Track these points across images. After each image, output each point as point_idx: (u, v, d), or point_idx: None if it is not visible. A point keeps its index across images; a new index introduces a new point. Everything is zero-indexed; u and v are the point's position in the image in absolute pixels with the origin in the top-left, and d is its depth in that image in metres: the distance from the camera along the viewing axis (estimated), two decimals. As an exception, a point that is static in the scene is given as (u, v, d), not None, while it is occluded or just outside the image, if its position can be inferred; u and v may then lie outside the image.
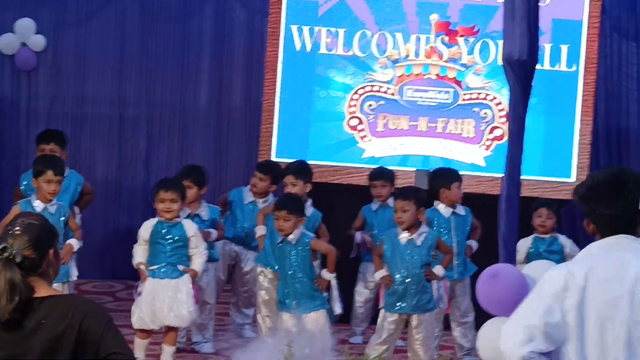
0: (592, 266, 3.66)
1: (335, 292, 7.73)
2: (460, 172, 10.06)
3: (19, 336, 3.55)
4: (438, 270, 7.74)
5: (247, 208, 9.23)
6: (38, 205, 7.79)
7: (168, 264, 7.80)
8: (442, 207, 8.66)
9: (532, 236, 8.54)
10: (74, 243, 7.92)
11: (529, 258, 8.34)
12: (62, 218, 7.89)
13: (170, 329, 7.84)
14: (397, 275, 7.67)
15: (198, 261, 7.95)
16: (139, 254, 7.85)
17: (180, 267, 7.87)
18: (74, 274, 8.08)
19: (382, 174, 9.34)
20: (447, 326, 8.72)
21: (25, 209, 7.76)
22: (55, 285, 7.65)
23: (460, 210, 8.74)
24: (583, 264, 3.70)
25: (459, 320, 8.69)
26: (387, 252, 7.73)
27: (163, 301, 7.75)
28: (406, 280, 7.64)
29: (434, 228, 8.49)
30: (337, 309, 7.72)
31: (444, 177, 8.86)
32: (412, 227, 7.67)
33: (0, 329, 3.55)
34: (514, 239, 5.08)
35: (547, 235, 8.56)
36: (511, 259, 4.96)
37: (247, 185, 9.45)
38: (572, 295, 3.63)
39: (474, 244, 8.80)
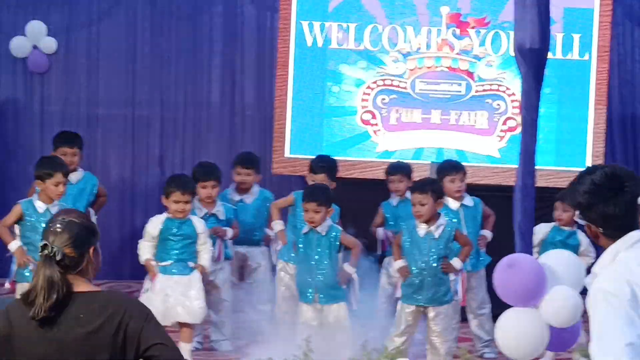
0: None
1: (356, 286, 7.72)
2: (475, 164, 10.07)
3: (55, 332, 3.55)
4: (456, 262, 7.72)
5: (238, 208, 9.17)
6: (40, 206, 7.77)
7: (179, 260, 7.81)
8: (449, 200, 8.66)
9: (552, 224, 8.51)
10: None
11: (543, 245, 8.30)
12: None
13: (184, 325, 7.84)
14: (414, 268, 7.66)
15: (205, 257, 7.97)
16: (147, 250, 7.85)
17: (191, 264, 7.88)
18: None
19: (399, 169, 9.28)
20: (463, 318, 8.70)
21: (27, 209, 7.77)
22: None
23: (469, 201, 8.71)
24: (631, 268, 3.56)
25: (475, 312, 8.68)
26: (406, 243, 7.73)
27: (176, 298, 7.75)
28: (423, 272, 7.63)
29: None
30: (355, 304, 7.71)
31: (439, 171, 8.87)
32: (431, 219, 7.66)
33: (37, 325, 3.55)
34: (530, 229, 5.06)
35: (567, 228, 8.52)
36: (528, 248, 4.95)
37: (229, 185, 9.41)
38: None
39: (488, 234, 8.78)
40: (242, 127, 11.60)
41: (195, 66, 11.62)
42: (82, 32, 11.53)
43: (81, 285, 3.63)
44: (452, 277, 7.81)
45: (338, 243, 7.67)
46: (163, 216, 7.93)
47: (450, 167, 8.80)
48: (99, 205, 9.42)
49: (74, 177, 8.70)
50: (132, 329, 3.58)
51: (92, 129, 11.50)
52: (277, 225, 8.69)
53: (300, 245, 7.90)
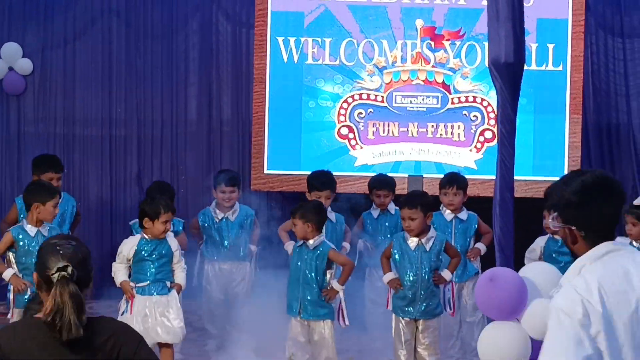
0: (601, 285, 3.54)
1: (343, 305, 7.70)
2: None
3: (80, 356, 3.55)
4: (446, 274, 7.74)
5: (222, 225, 9.22)
6: (31, 229, 7.76)
7: (156, 280, 7.76)
8: (445, 211, 8.73)
9: (547, 236, 8.56)
10: None
11: (545, 259, 8.37)
12: None
13: (164, 346, 7.80)
14: (407, 280, 7.67)
15: (182, 275, 7.93)
16: (122, 272, 7.77)
17: (168, 283, 7.83)
18: None
19: (384, 183, 9.32)
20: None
21: (18, 235, 7.76)
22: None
23: (463, 215, 8.75)
24: (589, 284, 3.55)
25: (466, 321, 8.72)
26: (396, 255, 7.74)
27: (155, 318, 7.72)
28: (415, 285, 7.65)
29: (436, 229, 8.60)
30: (343, 322, 7.69)
31: (439, 183, 8.93)
32: (422, 232, 7.68)
33: (67, 349, 3.54)
34: (509, 242, 5.08)
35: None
36: (508, 261, 4.96)
37: (211, 203, 9.44)
38: (595, 321, 3.47)
39: (482, 247, 8.82)
40: (219, 144, 11.59)
41: (171, 84, 11.61)
42: (57, 53, 11.51)
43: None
44: (442, 288, 7.84)
45: (325, 258, 7.66)
46: (137, 237, 7.83)
47: (445, 181, 8.83)
48: (75, 225, 9.42)
49: None
50: (125, 353, 3.59)
51: (69, 149, 11.48)
52: (290, 246, 8.62)
53: (293, 258, 7.91)
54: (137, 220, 8.31)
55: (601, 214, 3.66)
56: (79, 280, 3.57)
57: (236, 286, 9.29)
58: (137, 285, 7.73)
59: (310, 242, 7.66)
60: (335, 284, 7.63)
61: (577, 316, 3.45)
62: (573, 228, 3.70)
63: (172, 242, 7.95)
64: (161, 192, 8.73)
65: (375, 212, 9.27)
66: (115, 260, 7.87)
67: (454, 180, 8.79)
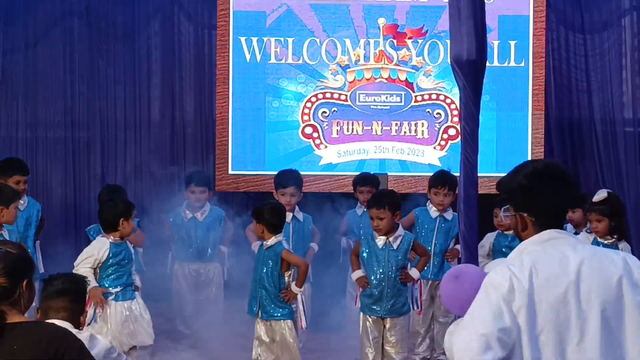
0: (534, 265, 3.63)
1: (301, 307, 7.69)
2: (417, 174, 10.16)
3: None
4: (414, 273, 7.74)
5: (190, 225, 9.24)
6: None
7: (128, 284, 7.64)
8: (431, 208, 8.72)
9: (496, 232, 8.61)
10: None
11: (493, 254, 8.44)
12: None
13: (132, 349, 7.73)
14: (373, 278, 7.68)
15: (137, 277, 7.86)
16: (92, 278, 7.54)
17: (133, 286, 7.73)
18: None
19: (367, 180, 9.34)
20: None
21: None
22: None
23: (448, 215, 8.74)
24: (523, 263, 3.65)
25: (439, 320, 8.73)
26: (364, 254, 7.74)
27: (134, 322, 7.61)
28: (382, 284, 7.65)
29: (418, 226, 8.61)
30: (303, 323, 7.69)
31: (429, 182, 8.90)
32: (390, 231, 7.68)
33: None
34: (474, 239, 5.08)
35: (510, 232, 8.61)
36: (473, 258, 4.97)
37: (181, 204, 9.44)
38: (519, 297, 3.58)
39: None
40: (183, 145, 11.57)
41: (134, 86, 11.57)
42: (18, 56, 11.44)
43: (15, 317, 3.60)
44: (410, 286, 7.84)
45: (278, 258, 7.63)
46: (105, 241, 7.65)
47: (437, 181, 8.76)
48: (40, 229, 9.35)
49: (21, 204, 8.64)
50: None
51: (32, 152, 11.41)
52: (257, 247, 8.59)
53: (255, 261, 7.90)
54: (94, 226, 8.23)
55: (551, 200, 3.72)
56: (3, 288, 3.56)
57: (206, 287, 9.29)
58: (111, 290, 7.57)
59: (267, 242, 7.64)
60: (293, 287, 7.61)
61: (502, 290, 3.58)
62: (524, 214, 3.76)
63: (130, 245, 7.90)
64: (116, 194, 8.66)
65: (359, 210, 9.29)
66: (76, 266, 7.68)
67: (446, 181, 8.70)
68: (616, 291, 3.63)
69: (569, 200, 3.79)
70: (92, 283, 7.46)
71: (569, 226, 8.92)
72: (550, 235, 3.74)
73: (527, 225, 3.79)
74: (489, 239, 8.57)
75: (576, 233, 8.79)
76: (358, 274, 7.81)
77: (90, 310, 7.57)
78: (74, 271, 7.62)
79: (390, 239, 7.68)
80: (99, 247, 7.55)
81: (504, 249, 8.34)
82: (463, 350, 3.63)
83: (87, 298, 4.75)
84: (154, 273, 8.92)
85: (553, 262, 3.65)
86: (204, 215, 9.29)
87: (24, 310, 3.70)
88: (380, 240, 7.69)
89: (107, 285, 7.55)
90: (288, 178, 8.92)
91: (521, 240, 3.84)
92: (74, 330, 4.46)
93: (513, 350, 3.58)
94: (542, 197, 3.73)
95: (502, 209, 3.85)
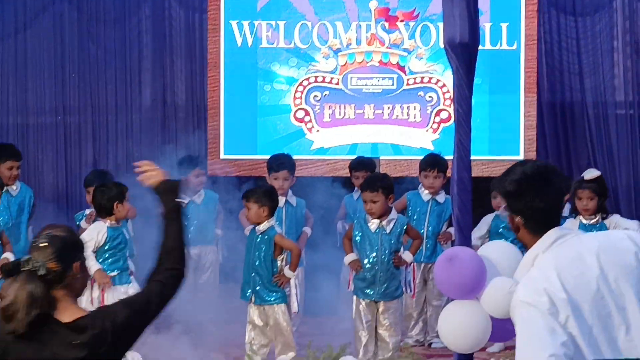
0: (559, 272, 3.60)
1: (293, 290, 7.70)
2: (409, 157, 10.16)
3: (41, 351, 3.47)
4: (407, 256, 7.75)
5: (189, 209, 9.22)
6: None
7: (124, 269, 7.64)
8: (423, 192, 8.73)
9: (494, 214, 8.63)
10: (9, 256, 7.72)
11: (490, 235, 8.48)
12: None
13: None
14: (366, 262, 7.68)
15: (131, 262, 7.84)
16: (94, 260, 7.56)
17: (129, 271, 7.72)
18: None
19: (362, 165, 9.32)
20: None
21: None
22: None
23: (441, 198, 8.74)
24: (547, 274, 3.61)
25: (432, 304, 8.74)
26: (357, 237, 7.74)
27: None
28: (375, 267, 7.65)
29: (411, 209, 8.58)
30: (295, 307, 7.70)
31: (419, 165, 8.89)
32: (383, 214, 7.68)
33: (22, 342, 3.47)
34: (468, 222, 5.08)
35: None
36: (466, 241, 4.97)
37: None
38: (562, 308, 3.53)
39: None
40: (175, 130, 11.53)
41: (125, 70, 11.53)
42: (8, 41, 11.39)
43: (68, 310, 3.54)
44: (402, 270, 7.85)
45: (271, 242, 7.63)
46: (102, 225, 7.66)
47: (426, 164, 8.77)
48: (31, 215, 9.33)
49: (14, 190, 8.61)
50: (120, 324, 3.55)
51: (23, 137, 11.38)
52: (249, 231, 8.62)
53: (247, 245, 7.89)
54: (83, 211, 8.22)
55: (539, 203, 3.73)
56: (49, 274, 3.49)
57: (206, 271, 9.31)
58: (112, 274, 7.54)
59: (260, 227, 7.63)
60: (287, 271, 7.61)
61: (544, 306, 3.50)
62: (516, 217, 3.79)
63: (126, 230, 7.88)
64: (104, 179, 8.61)
65: (356, 194, 9.29)
66: None
67: (436, 163, 8.72)
68: (638, 267, 3.64)
69: (559, 198, 3.80)
70: (96, 266, 7.45)
71: None
72: (556, 235, 3.73)
73: (519, 227, 3.80)
74: (486, 220, 8.58)
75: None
76: (351, 257, 7.81)
77: (95, 293, 7.55)
78: None
79: (384, 222, 7.68)
80: (97, 231, 7.55)
81: (501, 230, 8.38)
82: None
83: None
84: (147, 257, 8.89)
85: (573, 262, 3.62)
86: (201, 198, 9.31)
87: (80, 292, 3.65)
88: (374, 224, 7.69)
89: (104, 270, 7.53)
90: (280, 162, 8.91)
91: (519, 237, 3.85)
92: None
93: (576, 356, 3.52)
94: (528, 201, 3.74)
95: (503, 206, 3.88)
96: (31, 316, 3.44)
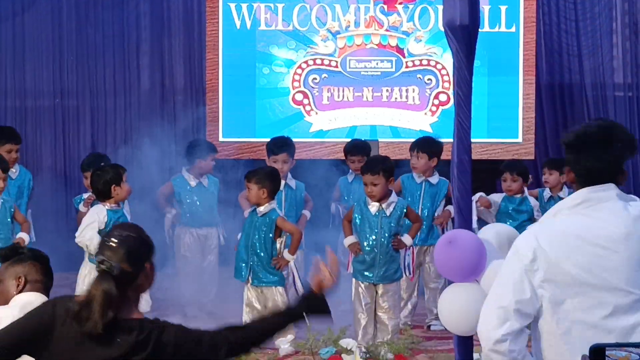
0: (562, 230, 3.66)
1: (295, 273, 7.70)
2: (408, 139, 10.13)
3: (110, 352, 3.46)
4: (406, 239, 7.74)
5: (198, 191, 9.25)
6: None
7: None
8: (415, 174, 8.74)
9: (502, 195, 8.67)
10: (25, 236, 7.77)
11: (498, 215, 8.52)
12: (9, 213, 7.74)
13: None
14: (366, 245, 7.68)
15: None
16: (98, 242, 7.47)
17: None
18: None
19: (357, 149, 9.30)
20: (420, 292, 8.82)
21: None
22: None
23: (434, 179, 8.74)
24: (547, 234, 3.68)
25: (429, 286, 8.75)
26: (357, 220, 7.75)
27: None
28: (375, 250, 7.66)
29: (405, 192, 8.60)
30: (300, 289, 7.68)
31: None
32: (383, 197, 7.68)
33: (94, 343, 3.45)
34: (468, 204, 5.08)
35: (518, 196, 8.70)
36: (466, 224, 4.97)
37: (183, 170, 9.44)
38: (541, 266, 3.62)
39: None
40: (173, 113, 11.52)
41: (123, 53, 11.51)
42: (6, 24, 11.37)
43: (128, 308, 3.54)
44: (402, 253, 7.84)
45: (273, 225, 7.63)
46: (102, 207, 7.65)
47: (413, 145, 8.80)
48: (29, 200, 9.33)
49: (13, 173, 8.60)
50: (183, 341, 3.56)
51: (21, 121, 11.36)
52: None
53: (245, 224, 7.89)
54: (81, 195, 8.22)
55: (593, 162, 3.72)
56: (124, 275, 3.49)
57: (210, 252, 9.35)
58: None
59: (260, 208, 7.63)
60: (286, 254, 7.62)
61: (525, 260, 3.64)
62: (570, 171, 3.81)
63: (125, 211, 7.86)
64: (100, 162, 8.60)
65: (350, 177, 9.29)
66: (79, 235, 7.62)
67: (416, 144, 8.75)
68: None
69: (617, 161, 3.76)
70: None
71: (547, 191, 8.98)
72: (583, 197, 3.73)
73: (573, 182, 3.83)
74: (494, 198, 8.65)
75: (552, 197, 8.86)
76: (350, 240, 7.82)
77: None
78: (77, 240, 7.60)
79: (384, 205, 7.68)
80: (98, 212, 7.53)
81: (510, 211, 8.43)
82: (482, 323, 3.71)
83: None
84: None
85: (581, 229, 3.66)
86: (206, 181, 9.33)
87: (146, 290, 3.65)
88: (374, 207, 7.69)
89: None
90: (280, 145, 8.91)
91: (572, 186, 3.90)
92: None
93: (539, 319, 3.66)
94: (583, 157, 3.74)
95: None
96: (108, 317, 3.43)
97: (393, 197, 7.74)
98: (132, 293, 3.55)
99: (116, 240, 3.54)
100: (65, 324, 3.48)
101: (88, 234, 7.46)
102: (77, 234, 7.57)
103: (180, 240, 9.31)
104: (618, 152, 3.73)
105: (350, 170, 9.29)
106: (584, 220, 3.69)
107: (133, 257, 3.52)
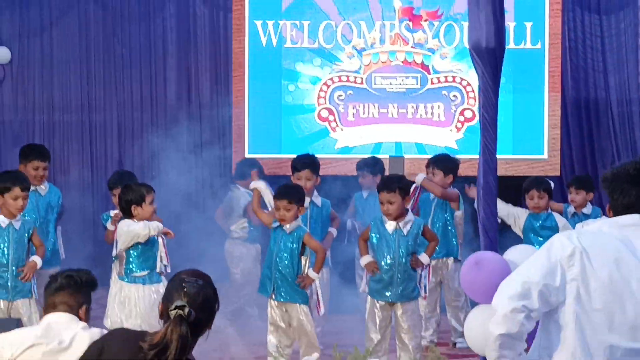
0: (602, 243, 3.72)
1: (319, 292, 7.68)
2: (433, 156, 10.16)
3: None
4: (424, 258, 7.72)
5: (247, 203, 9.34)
6: (3, 221, 7.53)
7: (154, 267, 7.59)
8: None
9: (527, 212, 8.64)
10: (38, 260, 7.70)
11: (524, 232, 8.50)
12: (27, 234, 7.73)
13: None
14: (383, 264, 7.67)
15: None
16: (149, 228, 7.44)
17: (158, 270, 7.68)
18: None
19: (368, 166, 9.32)
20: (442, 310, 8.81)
21: None
22: (19, 301, 7.48)
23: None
24: (593, 238, 3.74)
25: (450, 304, 8.73)
26: (374, 239, 7.72)
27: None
28: (392, 269, 7.64)
29: (418, 208, 8.62)
30: (321, 309, 7.68)
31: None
32: (400, 215, 7.66)
33: None
34: (494, 225, 5.11)
35: (544, 212, 8.69)
36: (492, 245, 4.99)
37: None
38: (577, 264, 3.66)
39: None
40: (200, 128, 11.58)
41: (150, 68, 11.59)
42: (34, 40, 11.49)
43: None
44: (419, 271, 7.83)
45: (300, 242, 7.62)
46: (131, 221, 7.59)
47: (429, 162, 8.78)
48: (60, 216, 9.36)
49: (43, 190, 8.63)
50: None
51: (49, 136, 11.46)
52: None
53: (271, 242, 7.88)
54: (109, 212, 8.25)
55: (622, 199, 3.79)
56: (197, 321, 3.55)
57: (236, 266, 9.46)
58: (140, 274, 7.52)
59: (288, 225, 7.62)
60: (311, 272, 7.59)
61: (564, 253, 3.68)
62: (608, 205, 3.90)
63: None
64: (127, 180, 8.60)
65: (365, 193, 9.32)
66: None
67: (431, 161, 8.77)
68: None
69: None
70: (155, 225, 7.46)
71: (571, 207, 8.97)
72: (634, 221, 3.80)
73: (609, 212, 3.89)
74: (518, 212, 8.62)
75: (575, 214, 8.85)
76: (367, 259, 7.76)
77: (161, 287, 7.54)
78: (121, 247, 7.53)
79: (400, 224, 7.65)
80: (129, 224, 7.48)
81: (536, 228, 8.43)
82: (501, 291, 3.78)
83: (86, 290, 4.69)
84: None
85: (619, 247, 3.72)
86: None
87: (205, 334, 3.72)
88: (390, 225, 7.67)
89: (134, 269, 7.51)
90: (303, 162, 8.90)
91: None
92: (80, 324, 4.48)
93: (557, 311, 3.71)
94: (615, 196, 3.82)
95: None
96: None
97: (410, 216, 7.71)
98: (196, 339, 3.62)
99: (194, 288, 3.61)
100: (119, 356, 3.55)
101: (133, 228, 7.43)
102: (118, 247, 7.55)
103: (233, 254, 9.41)
104: None
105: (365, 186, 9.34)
106: (631, 240, 3.75)
107: (208, 306, 3.62)
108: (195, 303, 3.57)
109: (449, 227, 8.72)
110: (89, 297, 4.66)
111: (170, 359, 3.48)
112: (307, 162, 8.81)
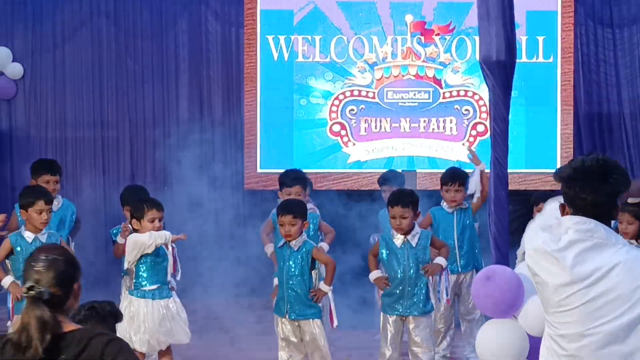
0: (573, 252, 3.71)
1: (332, 304, 7.65)
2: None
3: None
4: (440, 260, 7.68)
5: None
6: (29, 236, 7.62)
7: (165, 281, 7.61)
8: (445, 205, 8.67)
9: None
10: None
11: None
12: None
13: (167, 352, 7.68)
14: (394, 278, 7.66)
15: (172, 279, 7.80)
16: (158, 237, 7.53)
17: (169, 286, 7.67)
18: None
19: (390, 180, 9.26)
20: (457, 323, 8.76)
21: (16, 242, 7.62)
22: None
23: (465, 206, 8.68)
24: (565, 247, 3.73)
25: (465, 318, 8.69)
26: (383, 255, 7.71)
27: (173, 320, 7.55)
28: (403, 282, 7.63)
29: (436, 224, 8.56)
30: (335, 321, 7.65)
31: (440, 179, 8.86)
32: (408, 230, 7.66)
33: None
34: (505, 240, 5.09)
35: None
36: (504, 259, 4.98)
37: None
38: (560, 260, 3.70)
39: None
40: (212, 143, 11.58)
41: (162, 84, 11.61)
42: (47, 56, 11.52)
43: (67, 324, 3.57)
44: (431, 279, 7.79)
45: (309, 257, 7.60)
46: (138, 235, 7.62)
47: (446, 178, 8.69)
48: (76, 231, 9.36)
49: (55, 205, 8.64)
50: None
51: (62, 152, 11.48)
52: (269, 248, 8.59)
53: (279, 261, 7.85)
54: (118, 227, 8.26)
55: (588, 195, 3.69)
56: (55, 298, 3.49)
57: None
58: (148, 288, 7.52)
59: (294, 241, 7.59)
60: (323, 286, 7.57)
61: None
62: (566, 206, 3.80)
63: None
64: (136, 194, 8.58)
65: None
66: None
67: (456, 177, 8.63)
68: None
69: (612, 197, 3.76)
70: (165, 235, 7.47)
71: None
72: (590, 228, 3.74)
73: (567, 212, 3.82)
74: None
75: None
76: (375, 274, 7.75)
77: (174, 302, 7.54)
78: (129, 259, 7.53)
79: (408, 237, 7.65)
80: (144, 236, 7.48)
81: None
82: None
83: (110, 321, 4.67)
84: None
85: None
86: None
87: (74, 309, 3.66)
88: (399, 239, 7.66)
89: (143, 283, 7.52)
90: (292, 178, 8.82)
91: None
92: None
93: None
94: (580, 194, 3.73)
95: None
96: (46, 341, 3.44)
97: (416, 229, 7.72)
98: (64, 316, 3.54)
99: (43, 264, 3.52)
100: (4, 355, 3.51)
101: (138, 239, 7.44)
102: (127, 260, 7.55)
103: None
104: (613, 187, 3.74)
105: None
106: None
107: (62, 280, 3.51)
108: (47, 280, 3.48)
109: (474, 240, 8.66)
110: (114, 328, 4.63)
111: (35, 343, 3.42)
112: (297, 178, 8.74)
